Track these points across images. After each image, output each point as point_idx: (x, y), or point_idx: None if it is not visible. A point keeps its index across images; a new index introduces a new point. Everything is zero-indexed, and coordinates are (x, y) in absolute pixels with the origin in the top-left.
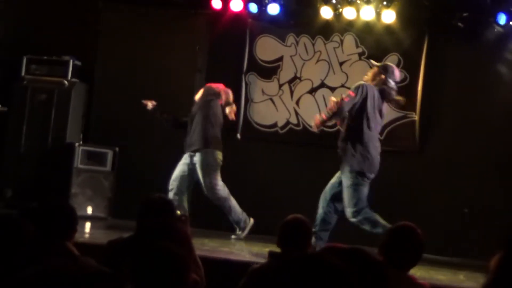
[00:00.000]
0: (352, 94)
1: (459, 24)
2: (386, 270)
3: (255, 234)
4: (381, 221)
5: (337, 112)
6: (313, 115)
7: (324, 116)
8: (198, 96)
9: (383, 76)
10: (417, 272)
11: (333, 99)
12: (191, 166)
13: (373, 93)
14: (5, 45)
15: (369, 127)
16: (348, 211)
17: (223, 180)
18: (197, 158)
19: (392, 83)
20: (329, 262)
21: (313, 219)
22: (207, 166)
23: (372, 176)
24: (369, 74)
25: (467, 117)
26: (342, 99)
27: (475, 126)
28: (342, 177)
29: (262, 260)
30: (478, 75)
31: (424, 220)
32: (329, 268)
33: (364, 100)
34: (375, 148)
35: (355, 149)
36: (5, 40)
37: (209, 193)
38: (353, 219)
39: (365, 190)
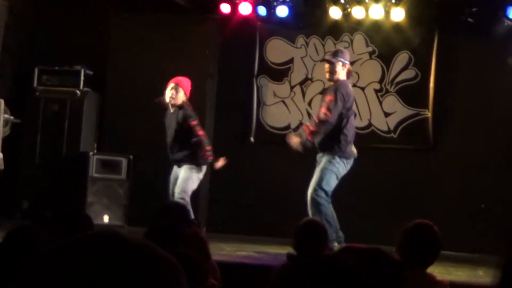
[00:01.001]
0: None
1: (469, 19)
2: (404, 270)
3: (271, 237)
4: None
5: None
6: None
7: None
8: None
9: (348, 66)
10: (436, 270)
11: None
12: None
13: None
14: (16, 56)
15: None
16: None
17: (239, 183)
18: None
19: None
20: (345, 264)
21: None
22: None
23: None
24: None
25: (479, 112)
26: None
27: (488, 121)
28: None
29: (278, 263)
30: (489, 69)
31: (440, 217)
32: (346, 269)
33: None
34: None
35: None
36: (16, 51)
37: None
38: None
39: None
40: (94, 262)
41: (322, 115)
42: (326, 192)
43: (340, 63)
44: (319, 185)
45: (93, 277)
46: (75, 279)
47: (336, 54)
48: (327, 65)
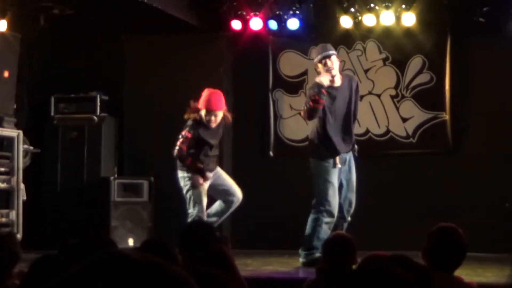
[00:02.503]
0: None
1: (481, 19)
2: (432, 275)
3: (295, 250)
4: None
5: None
6: None
7: None
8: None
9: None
10: (464, 272)
11: None
12: None
13: None
14: (32, 87)
15: None
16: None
17: (261, 198)
18: None
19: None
20: (389, 271)
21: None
22: None
23: None
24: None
25: (497, 112)
26: None
27: (506, 119)
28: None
29: (306, 276)
30: (504, 68)
31: (465, 219)
32: (391, 276)
33: None
34: None
35: None
36: (31, 82)
37: None
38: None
39: None
40: (108, 282)
41: None
42: None
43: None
44: None
45: None
46: None
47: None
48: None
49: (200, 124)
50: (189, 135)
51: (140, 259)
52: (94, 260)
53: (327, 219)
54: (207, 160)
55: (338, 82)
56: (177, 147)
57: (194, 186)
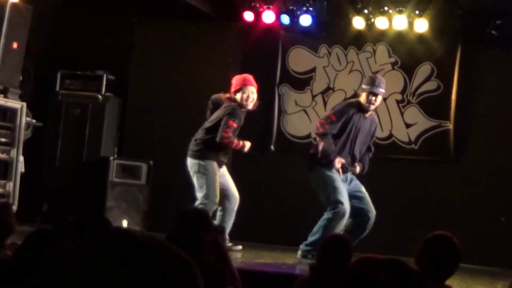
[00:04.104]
0: None
1: (493, 32)
2: (426, 282)
3: (289, 246)
4: None
5: None
6: None
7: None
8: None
9: None
10: (455, 282)
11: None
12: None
13: None
14: (39, 60)
15: None
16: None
17: (258, 191)
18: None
19: None
20: (376, 278)
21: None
22: None
23: None
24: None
25: (501, 126)
26: None
27: (509, 134)
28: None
29: (298, 272)
30: None
31: (459, 230)
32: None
33: None
34: None
35: None
36: (39, 55)
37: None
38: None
39: None
40: (108, 261)
41: None
42: None
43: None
44: None
45: (108, 276)
46: (91, 278)
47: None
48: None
49: (238, 111)
50: (235, 125)
51: (144, 238)
52: (97, 236)
53: (340, 220)
54: (226, 150)
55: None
56: (226, 137)
57: (214, 175)
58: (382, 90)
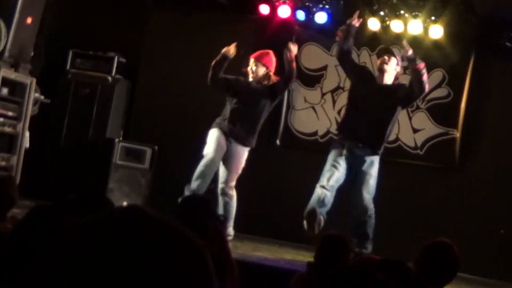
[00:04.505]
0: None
1: (507, 43)
2: (425, 283)
3: (288, 241)
4: None
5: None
6: None
7: None
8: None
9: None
10: None
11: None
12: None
13: None
14: (52, 37)
15: None
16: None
17: (261, 185)
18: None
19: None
20: (373, 276)
21: (347, 229)
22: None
23: None
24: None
25: (508, 138)
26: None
27: None
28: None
29: (295, 267)
30: None
31: (460, 238)
32: (374, 281)
33: None
34: None
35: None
36: (52, 32)
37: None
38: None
39: None
40: (122, 236)
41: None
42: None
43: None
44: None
45: (119, 253)
46: (103, 252)
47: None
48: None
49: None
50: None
51: (159, 218)
52: (113, 212)
53: None
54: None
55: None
56: None
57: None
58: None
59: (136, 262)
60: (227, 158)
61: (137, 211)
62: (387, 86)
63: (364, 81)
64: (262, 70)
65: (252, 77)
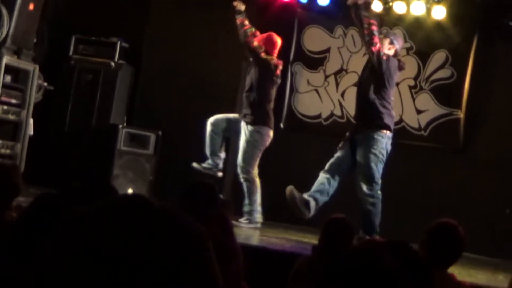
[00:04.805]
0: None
1: (510, 23)
2: (430, 266)
3: (294, 224)
4: None
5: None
6: None
7: None
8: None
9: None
10: (456, 270)
11: None
12: None
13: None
14: (54, 23)
15: None
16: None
17: (265, 169)
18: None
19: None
20: (379, 259)
21: (354, 212)
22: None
23: None
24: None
25: None
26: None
27: None
28: None
29: (299, 250)
30: None
31: (465, 218)
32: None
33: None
34: None
35: None
36: (54, 18)
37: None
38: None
39: None
40: (123, 225)
41: None
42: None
43: (388, 40)
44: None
45: (122, 241)
46: (105, 241)
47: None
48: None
49: None
50: None
51: (159, 205)
52: (113, 201)
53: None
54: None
55: None
56: None
57: None
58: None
59: (137, 250)
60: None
61: (136, 199)
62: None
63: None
64: None
65: None
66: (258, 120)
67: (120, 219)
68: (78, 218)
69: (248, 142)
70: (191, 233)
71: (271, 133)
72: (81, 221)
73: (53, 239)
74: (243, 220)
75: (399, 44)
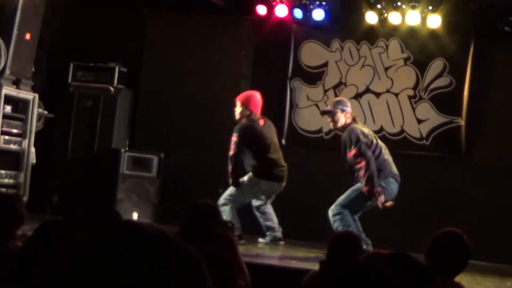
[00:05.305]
0: None
1: (506, 28)
2: (433, 276)
3: (298, 240)
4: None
5: None
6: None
7: None
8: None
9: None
10: (464, 279)
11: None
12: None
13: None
14: (52, 51)
15: None
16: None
17: None
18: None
19: None
20: (379, 270)
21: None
22: None
23: None
24: None
25: None
26: None
27: None
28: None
29: (306, 266)
30: None
31: (469, 226)
32: (380, 276)
33: None
34: None
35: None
36: (52, 46)
37: None
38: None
39: None
40: (115, 254)
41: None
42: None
43: (339, 111)
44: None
45: (114, 268)
46: (99, 270)
47: (335, 104)
48: (329, 118)
49: None
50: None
51: (152, 230)
52: (105, 228)
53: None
54: None
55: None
56: None
57: None
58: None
59: (133, 276)
60: None
61: (129, 225)
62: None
63: None
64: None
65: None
66: None
67: (113, 247)
68: (69, 249)
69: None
70: (186, 258)
71: None
72: (72, 251)
73: (45, 267)
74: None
75: (348, 106)
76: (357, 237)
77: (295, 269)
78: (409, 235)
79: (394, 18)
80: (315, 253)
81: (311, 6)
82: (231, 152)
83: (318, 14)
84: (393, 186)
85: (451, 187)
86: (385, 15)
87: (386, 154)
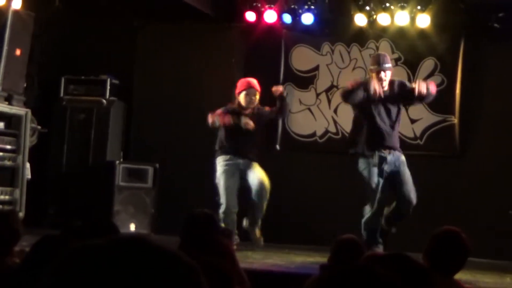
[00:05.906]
0: None
1: (496, 25)
2: (431, 276)
3: (295, 244)
4: None
5: None
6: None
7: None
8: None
9: None
10: (463, 276)
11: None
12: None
13: None
14: (43, 66)
15: None
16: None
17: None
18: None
19: None
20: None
21: (355, 229)
22: None
23: None
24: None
25: (506, 118)
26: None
27: None
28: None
29: (306, 271)
30: None
31: (467, 224)
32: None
33: None
34: None
35: None
36: (42, 61)
37: None
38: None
39: None
40: (111, 266)
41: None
42: None
43: None
44: None
45: (111, 281)
46: (96, 281)
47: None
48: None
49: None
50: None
51: (147, 242)
52: (111, 240)
53: None
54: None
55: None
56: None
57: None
58: (388, 65)
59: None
60: None
61: (125, 238)
62: (388, 92)
63: (369, 99)
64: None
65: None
66: None
67: (110, 258)
68: (71, 254)
69: None
70: (183, 269)
71: None
72: (74, 257)
73: (47, 273)
74: None
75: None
76: (360, 242)
77: (293, 274)
78: (405, 234)
79: (383, 19)
80: (314, 257)
81: (300, 11)
82: None
83: (307, 18)
84: None
85: (447, 185)
86: (374, 16)
87: None
